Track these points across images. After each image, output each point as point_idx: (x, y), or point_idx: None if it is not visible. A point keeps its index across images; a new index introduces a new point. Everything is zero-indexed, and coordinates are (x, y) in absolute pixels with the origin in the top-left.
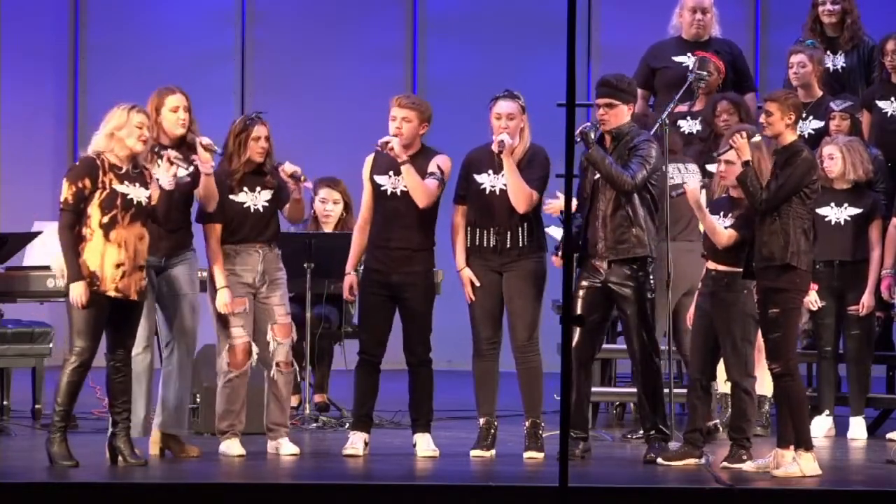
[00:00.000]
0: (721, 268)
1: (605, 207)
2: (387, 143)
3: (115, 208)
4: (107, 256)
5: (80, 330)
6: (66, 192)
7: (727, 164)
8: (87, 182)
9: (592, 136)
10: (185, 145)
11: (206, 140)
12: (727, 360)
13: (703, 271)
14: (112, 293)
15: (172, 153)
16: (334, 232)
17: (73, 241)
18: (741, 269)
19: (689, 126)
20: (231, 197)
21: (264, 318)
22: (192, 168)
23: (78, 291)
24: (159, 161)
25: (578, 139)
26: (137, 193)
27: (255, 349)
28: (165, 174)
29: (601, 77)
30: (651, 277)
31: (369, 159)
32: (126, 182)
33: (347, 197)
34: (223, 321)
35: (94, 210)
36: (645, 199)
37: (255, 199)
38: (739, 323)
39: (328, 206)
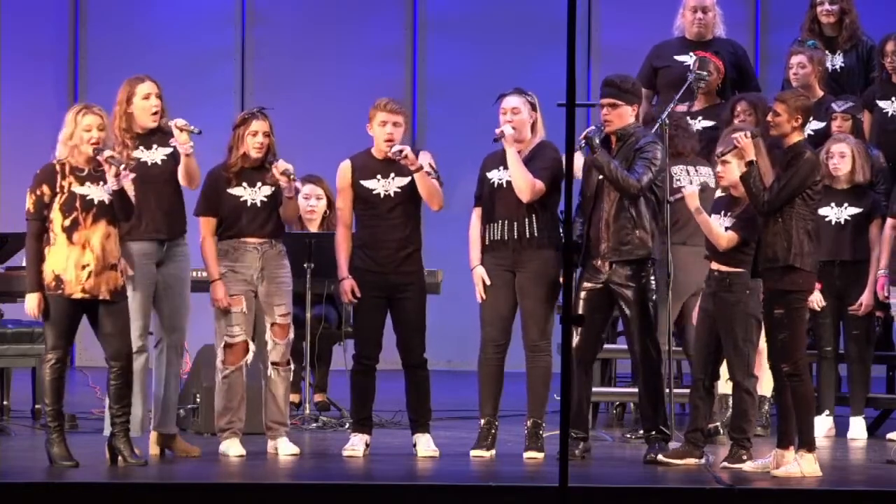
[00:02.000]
0: (723, 268)
1: (609, 209)
2: (401, 151)
3: (76, 210)
4: (70, 259)
5: (51, 332)
6: (27, 202)
7: (724, 164)
8: (46, 189)
9: (596, 140)
10: (160, 132)
11: (181, 122)
12: (729, 360)
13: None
14: (78, 295)
15: (107, 153)
16: (333, 232)
17: (36, 251)
18: (743, 270)
19: (695, 125)
20: (228, 190)
21: (263, 317)
22: (170, 150)
23: (32, 304)
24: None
25: (582, 144)
26: (99, 193)
27: (252, 348)
28: (109, 177)
29: (605, 77)
30: (653, 279)
31: (346, 167)
32: (88, 183)
33: (330, 194)
34: (222, 318)
35: (55, 214)
36: (649, 201)
37: (254, 194)
38: (741, 323)
39: (311, 202)
